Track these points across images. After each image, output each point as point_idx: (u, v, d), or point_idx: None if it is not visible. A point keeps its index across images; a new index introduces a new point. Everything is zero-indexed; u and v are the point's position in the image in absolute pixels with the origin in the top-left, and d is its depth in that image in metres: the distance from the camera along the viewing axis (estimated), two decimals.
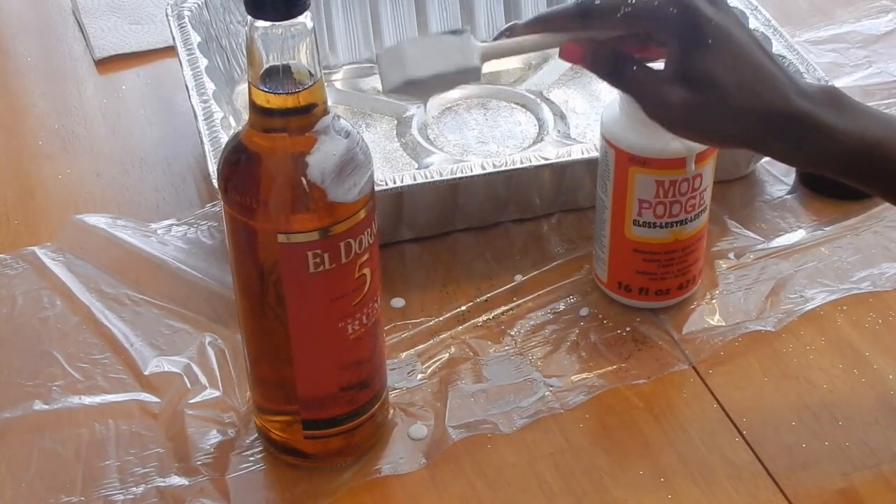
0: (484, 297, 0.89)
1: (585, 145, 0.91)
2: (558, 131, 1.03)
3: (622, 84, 0.73)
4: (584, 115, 1.06)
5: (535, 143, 1.02)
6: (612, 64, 0.73)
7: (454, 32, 0.73)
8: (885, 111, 0.75)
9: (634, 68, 0.72)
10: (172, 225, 0.96)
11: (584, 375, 0.83)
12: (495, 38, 0.75)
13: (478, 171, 0.89)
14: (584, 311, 0.88)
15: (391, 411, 0.80)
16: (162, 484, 0.76)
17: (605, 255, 0.87)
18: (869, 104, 1.06)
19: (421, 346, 0.85)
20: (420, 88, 0.72)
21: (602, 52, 0.73)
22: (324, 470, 0.77)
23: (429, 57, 0.71)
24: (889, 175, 0.71)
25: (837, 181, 0.96)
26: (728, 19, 0.71)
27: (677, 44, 0.70)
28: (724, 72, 0.69)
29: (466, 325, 0.87)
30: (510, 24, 0.75)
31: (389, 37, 1.12)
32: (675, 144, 0.80)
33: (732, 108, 0.70)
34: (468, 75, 0.72)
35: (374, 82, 1.10)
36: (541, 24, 0.74)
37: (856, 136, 0.70)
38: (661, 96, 0.71)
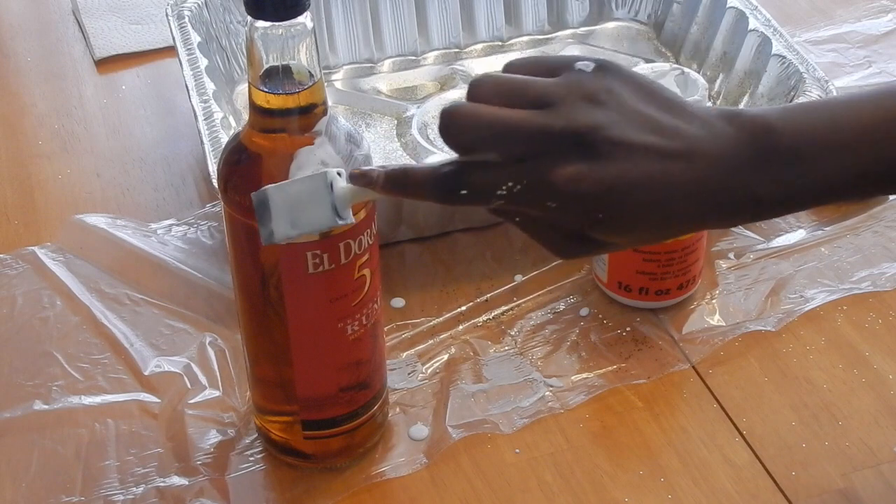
0: (484, 297, 0.89)
1: None
2: None
3: (518, 225, 0.62)
4: None
5: None
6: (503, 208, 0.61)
7: (313, 175, 0.63)
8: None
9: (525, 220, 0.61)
10: (172, 225, 0.96)
11: (584, 375, 0.83)
12: (351, 176, 0.63)
13: None
14: (584, 311, 0.88)
15: (391, 411, 0.80)
16: (162, 484, 0.76)
17: (604, 255, 0.87)
18: None
19: (421, 347, 0.85)
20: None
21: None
22: (323, 470, 0.77)
23: (296, 215, 0.63)
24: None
25: None
26: (621, 156, 0.58)
27: (568, 224, 0.60)
28: (625, 232, 0.60)
29: (466, 325, 0.87)
30: (368, 169, 0.62)
31: (389, 37, 1.12)
32: None
33: (651, 240, 0.63)
34: (331, 225, 0.63)
35: (374, 82, 1.10)
36: (400, 184, 0.61)
37: (789, 188, 0.60)
38: (563, 250, 0.62)
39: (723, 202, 0.60)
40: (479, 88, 0.61)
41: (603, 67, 0.61)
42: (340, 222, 0.63)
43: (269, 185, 0.63)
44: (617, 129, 0.58)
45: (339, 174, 0.63)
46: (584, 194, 0.58)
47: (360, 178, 0.62)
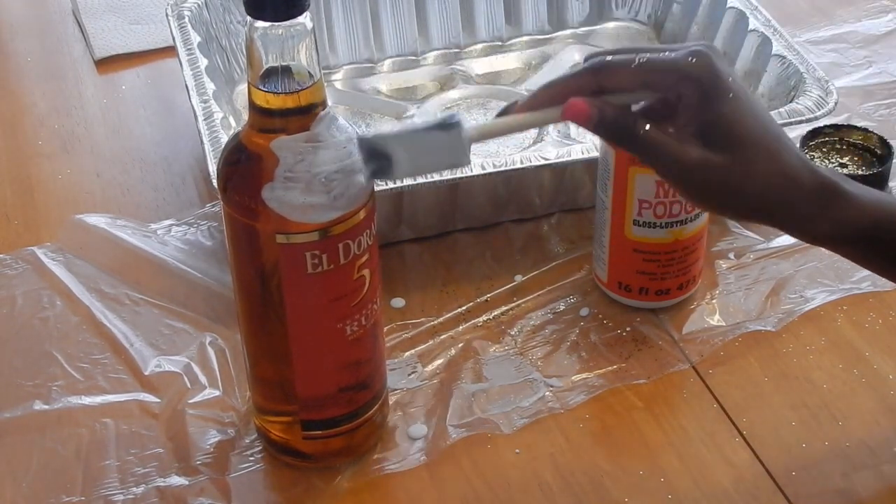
0: (484, 297, 0.89)
1: (585, 145, 0.91)
2: (558, 131, 1.03)
3: (633, 146, 0.67)
4: None
5: (535, 143, 1.02)
6: (621, 123, 0.66)
7: (443, 125, 0.66)
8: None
9: (647, 127, 0.66)
10: (172, 225, 0.96)
11: (584, 375, 0.83)
12: (498, 116, 0.69)
13: (478, 171, 0.89)
14: (584, 311, 0.88)
15: (391, 411, 0.80)
16: (162, 484, 0.76)
17: (605, 255, 0.87)
18: (868, 104, 1.07)
19: (421, 347, 0.85)
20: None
21: (610, 112, 0.66)
22: (323, 470, 0.77)
23: (418, 157, 0.66)
24: None
25: None
26: (739, 78, 0.67)
27: (696, 97, 0.65)
28: (746, 130, 0.65)
29: (466, 325, 0.87)
30: (510, 104, 0.69)
31: (389, 37, 1.12)
32: None
33: (755, 171, 0.65)
34: (459, 166, 0.68)
35: (374, 82, 1.10)
36: (548, 92, 0.68)
37: (877, 206, 0.68)
38: (680, 156, 0.65)
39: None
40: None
41: None
42: (467, 162, 0.67)
43: (386, 133, 0.68)
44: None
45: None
46: (715, 65, 0.65)
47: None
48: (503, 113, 0.69)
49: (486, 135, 0.68)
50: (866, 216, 0.68)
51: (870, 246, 0.70)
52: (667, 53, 0.66)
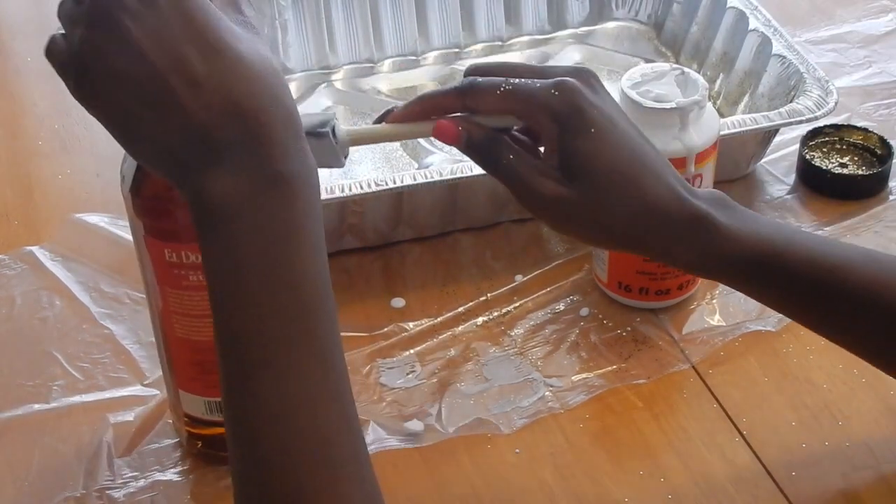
0: (484, 297, 0.89)
1: None
2: None
3: (496, 173, 0.67)
4: None
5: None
6: (487, 148, 0.67)
7: (313, 133, 0.64)
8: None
9: (511, 157, 0.66)
10: None
11: (584, 375, 0.83)
12: (375, 122, 0.69)
13: (478, 170, 0.88)
14: (584, 311, 0.88)
15: (390, 410, 0.80)
16: (162, 479, 0.76)
17: (605, 254, 0.87)
18: (868, 104, 1.07)
19: (421, 346, 0.85)
20: None
21: (477, 135, 0.67)
22: None
23: None
24: (785, 281, 0.67)
25: (837, 180, 0.97)
26: (611, 108, 0.66)
27: (557, 130, 0.65)
28: (606, 164, 0.64)
29: (466, 325, 0.87)
30: (387, 109, 0.69)
31: (389, 37, 1.12)
32: (676, 144, 0.80)
33: (615, 204, 0.65)
34: (334, 167, 0.66)
35: (374, 82, 1.10)
36: (420, 104, 0.68)
37: (751, 238, 0.66)
38: (536, 188, 0.65)
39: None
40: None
41: None
42: (341, 165, 0.66)
43: None
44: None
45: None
46: (579, 97, 0.65)
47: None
48: (380, 119, 0.69)
49: (358, 140, 0.68)
50: (744, 249, 0.66)
51: (747, 280, 0.68)
52: (534, 82, 0.66)
